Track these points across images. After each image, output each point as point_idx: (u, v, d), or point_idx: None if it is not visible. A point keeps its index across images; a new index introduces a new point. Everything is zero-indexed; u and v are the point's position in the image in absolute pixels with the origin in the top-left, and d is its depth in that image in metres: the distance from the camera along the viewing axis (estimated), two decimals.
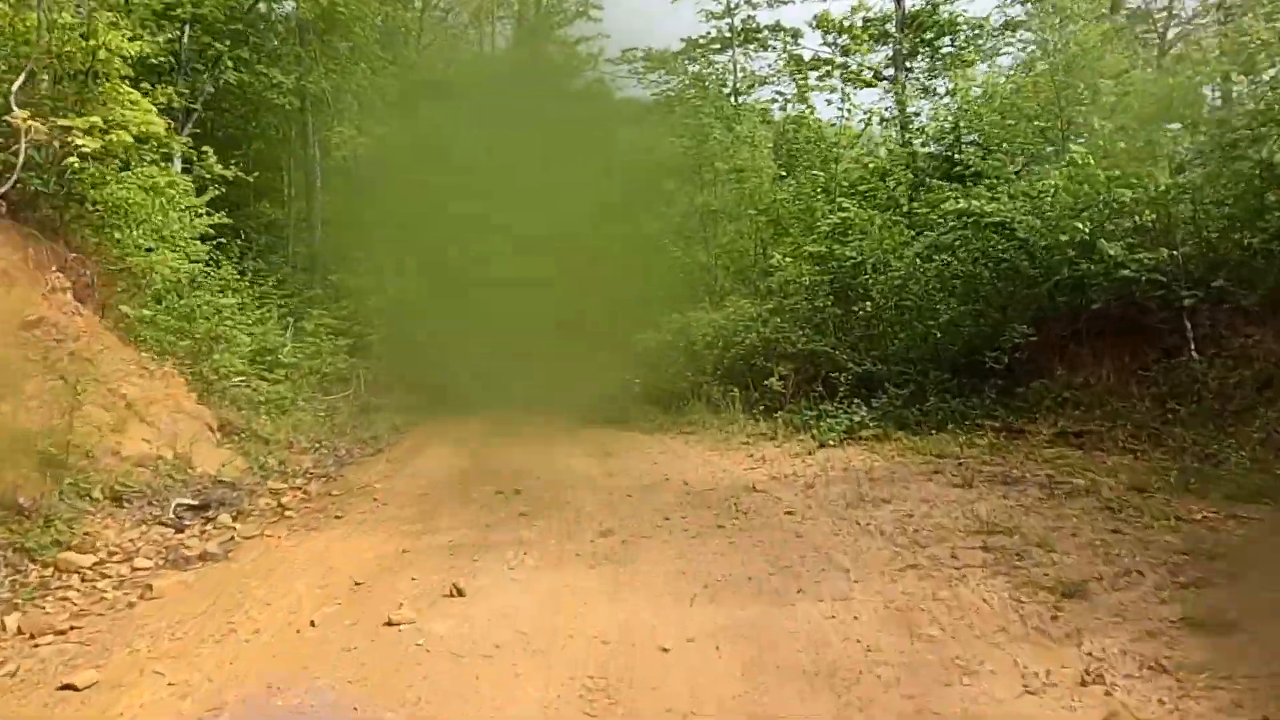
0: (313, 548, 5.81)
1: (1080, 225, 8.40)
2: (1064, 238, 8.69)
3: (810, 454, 8.86)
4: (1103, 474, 6.80)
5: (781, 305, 13.34)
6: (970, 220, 10.00)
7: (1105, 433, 8.15)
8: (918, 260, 12.26)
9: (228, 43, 14.90)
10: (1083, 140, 10.49)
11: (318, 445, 10.62)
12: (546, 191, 17.25)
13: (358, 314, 17.00)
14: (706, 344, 13.28)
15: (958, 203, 10.02)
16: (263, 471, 8.52)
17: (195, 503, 6.95)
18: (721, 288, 16.19)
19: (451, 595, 4.60)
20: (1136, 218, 8.50)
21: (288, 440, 10.05)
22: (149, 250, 9.55)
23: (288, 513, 6.95)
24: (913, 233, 12.54)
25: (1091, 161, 8.48)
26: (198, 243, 11.04)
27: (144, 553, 5.69)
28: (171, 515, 6.57)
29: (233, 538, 6.14)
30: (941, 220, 12.71)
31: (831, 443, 9.31)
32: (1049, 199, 9.51)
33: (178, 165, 13.13)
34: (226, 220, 11.65)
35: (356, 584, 4.92)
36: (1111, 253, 8.13)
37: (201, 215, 11.38)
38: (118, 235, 8.80)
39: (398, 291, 16.77)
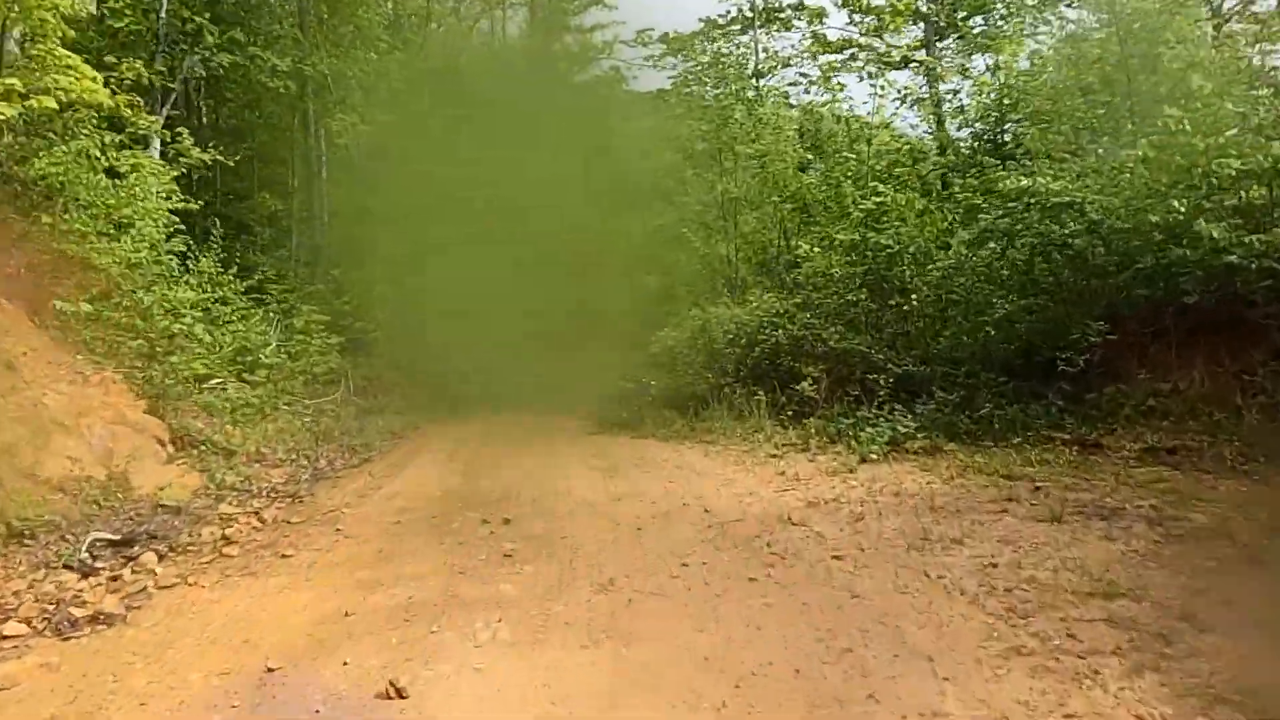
0: (235, 606, 4.51)
1: (1176, 204, 6.95)
2: (1153, 218, 7.25)
3: (851, 471, 7.48)
4: (1222, 504, 5.41)
5: (810, 299, 11.95)
6: (1032, 202, 8.55)
7: (1205, 449, 6.72)
8: (963, 249, 10.88)
9: (208, 17, 13.59)
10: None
11: (295, 456, 9.36)
12: (555, 184, 16.10)
13: (360, 309, 15.77)
14: (728, 342, 11.92)
15: (1019, 181, 8.57)
16: (219, 491, 7.27)
17: (118, 537, 5.69)
18: (743, 281, 14.82)
19: (388, 696, 3.29)
20: (1242, 194, 7.05)
21: (258, 452, 8.80)
22: (105, 237, 8.30)
23: (229, 548, 5.67)
24: (956, 218, 11.13)
25: (1188, 127, 7.02)
26: (166, 231, 9.81)
27: (23, 612, 4.42)
28: (83, 555, 5.31)
29: (146, 588, 4.86)
30: (988, 205, 11.33)
31: (874, 456, 7.93)
32: (1127, 175, 8.08)
33: (156, 150, 11.94)
34: (193, 206, 10.39)
35: (269, 670, 3.62)
36: (1215, 235, 6.69)
37: (169, 200, 10.15)
38: (48, 219, 7.56)
39: (400, 286, 15.49)
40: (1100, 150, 9.45)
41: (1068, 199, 8.27)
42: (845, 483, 7.07)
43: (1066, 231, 8.53)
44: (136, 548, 5.62)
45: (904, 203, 11.70)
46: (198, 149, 11.22)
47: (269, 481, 8.04)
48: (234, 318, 11.69)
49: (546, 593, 4.54)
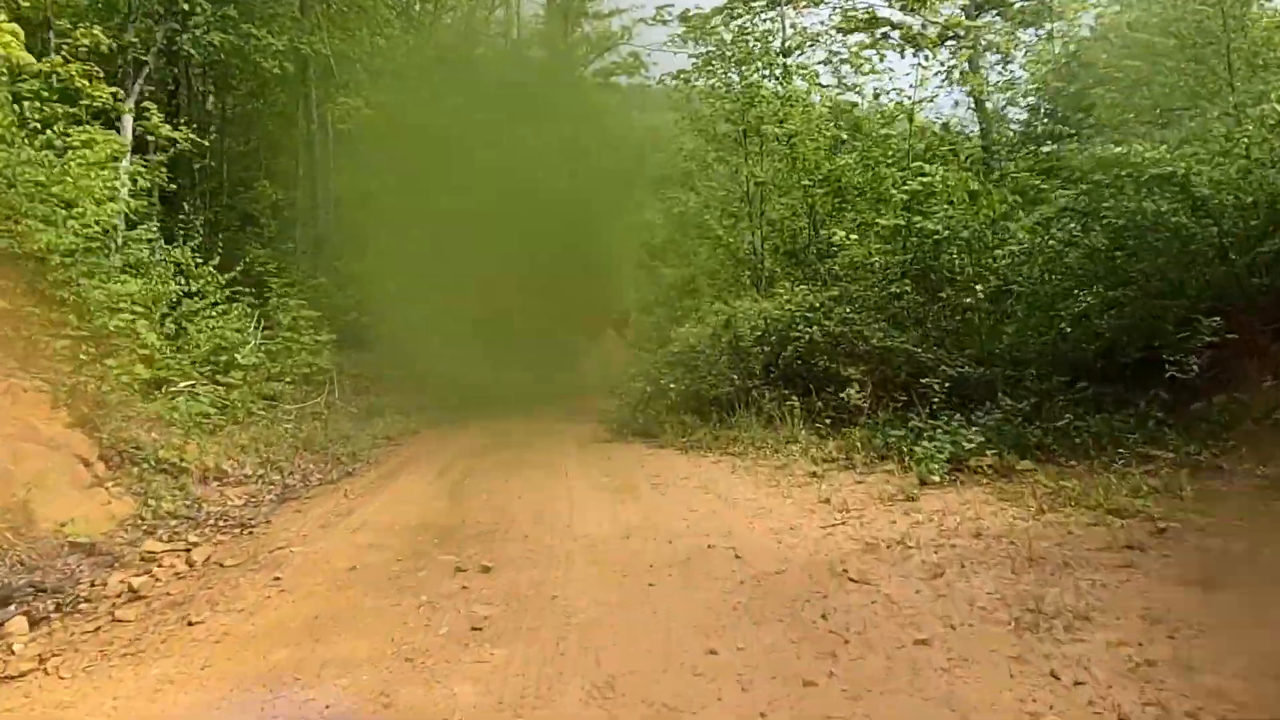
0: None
1: None
2: None
3: (910, 499, 6.04)
4: None
5: (847, 292, 10.50)
6: (1123, 175, 7.05)
7: None
8: (1025, 233, 9.40)
9: None
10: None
11: (265, 471, 8.07)
12: (564, 175, 14.88)
13: (361, 304, 14.49)
14: (755, 339, 10.49)
15: (1107, 151, 7.07)
16: (152, 522, 5.98)
17: None
18: (770, 272, 13.37)
19: None
20: None
21: (218, 468, 7.50)
22: (37, 219, 7.03)
23: (127, 609, 4.34)
24: (1017, 200, 9.63)
25: None
26: (119, 216, 8.56)
27: None
28: None
29: None
30: (1048, 185, 9.85)
31: (936, 478, 6.49)
32: (1245, 141, 6.57)
33: (128, 129, 10.67)
34: (161, 183, 9.12)
35: None
36: None
37: (136, 183, 8.88)
38: None
39: (402, 279, 14.18)
40: (1197, 118, 7.90)
41: (1168, 169, 6.76)
42: (907, 516, 5.63)
43: (1163, 209, 7.03)
44: (12, 607, 4.32)
45: (954, 183, 10.21)
46: (168, 127, 9.97)
47: (222, 505, 6.75)
48: (215, 314, 10.43)
49: (519, 701, 3.17)
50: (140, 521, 5.91)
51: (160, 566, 5.11)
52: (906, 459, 7.17)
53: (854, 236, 11.35)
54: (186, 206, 11.31)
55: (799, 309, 10.46)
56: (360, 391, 13.48)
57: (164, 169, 13.44)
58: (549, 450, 9.75)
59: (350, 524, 6.15)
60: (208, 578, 4.90)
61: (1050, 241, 8.26)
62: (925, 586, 4.26)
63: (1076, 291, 7.66)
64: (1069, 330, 7.93)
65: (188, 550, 5.40)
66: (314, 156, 17.65)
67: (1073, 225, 7.83)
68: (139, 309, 7.87)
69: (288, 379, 11.12)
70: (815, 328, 9.95)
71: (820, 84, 14.95)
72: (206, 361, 9.44)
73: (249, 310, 10.56)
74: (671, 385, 10.43)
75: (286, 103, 18.99)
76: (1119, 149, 6.98)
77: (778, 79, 14.60)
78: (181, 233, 10.41)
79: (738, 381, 10.24)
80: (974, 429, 7.40)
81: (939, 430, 7.47)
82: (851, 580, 4.38)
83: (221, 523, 6.24)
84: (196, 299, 10.25)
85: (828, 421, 9.05)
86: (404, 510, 6.60)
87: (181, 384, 9.07)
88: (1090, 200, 7.68)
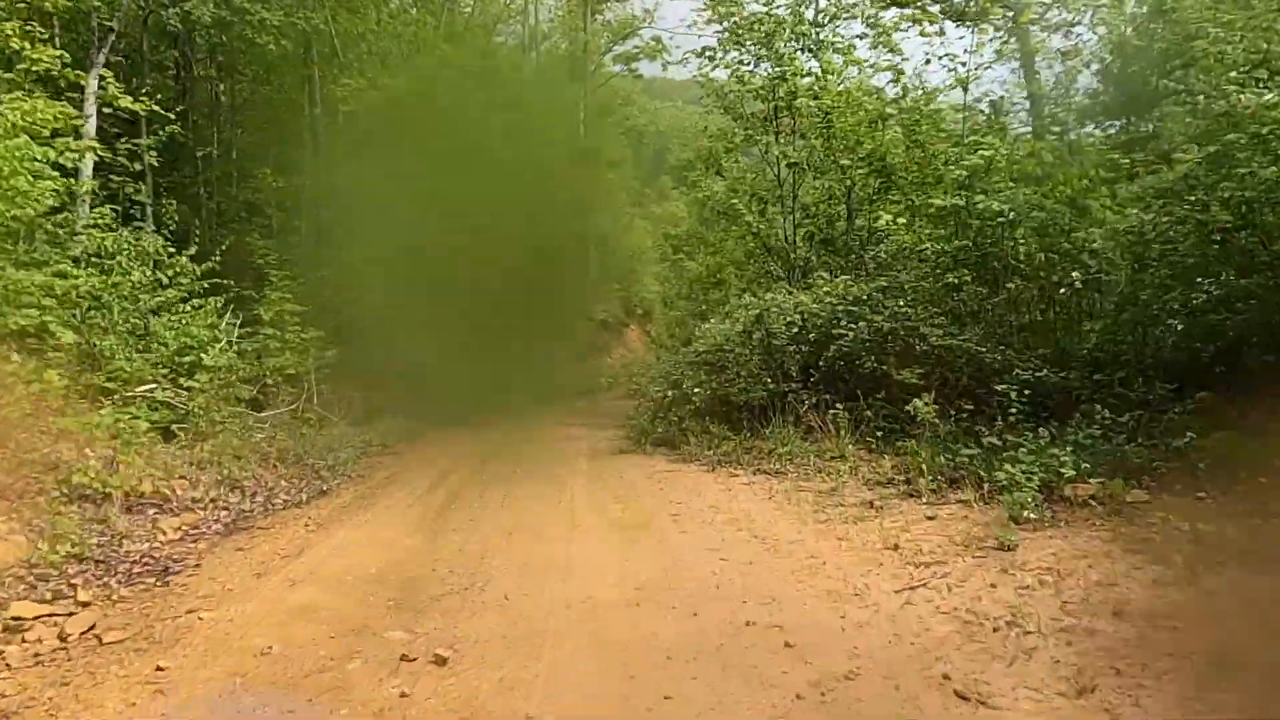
0: None
1: None
2: None
3: (1005, 546, 4.58)
4: None
5: (899, 283, 9.03)
6: (1265, 132, 5.52)
7: None
8: (1110, 214, 7.90)
9: None
10: None
11: (222, 492, 6.77)
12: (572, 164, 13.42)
13: (359, 297, 13.16)
14: (791, 336, 9.03)
15: (1257, 98, 5.51)
16: (47, 568, 4.67)
17: None
18: (805, 262, 11.91)
19: None
20: None
21: (157, 491, 6.21)
22: None
23: None
24: (1100, 172, 8.09)
25: None
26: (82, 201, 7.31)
27: None
28: None
29: None
30: (1126, 159, 8.30)
31: (1030, 513, 5.03)
32: None
33: (92, 100, 9.39)
34: (98, 152, 7.86)
35: None
36: None
37: (82, 158, 7.61)
38: None
39: (402, 271, 12.85)
40: None
41: None
42: (1008, 574, 4.18)
43: None
44: None
45: (1022, 157, 8.70)
46: (129, 99, 8.73)
47: (150, 542, 5.45)
48: (188, 309, 9.17)
49: None
50: (26, 570, 4.61)
51: (23, 642, 3.80)
52: (985, 485, 5.74)
53: (901, 220, 9.87)
54: (141, 190, 10.02)
55: (840, 302, 9.00)
56: (355, 392, 12.19)
57: (153, 152, 12.31)
58: (555, 464, 8.40)
59: (293, 571, 4.80)
60: (73, 664, 3.57)
61: (1155, 222, 6.72)
62: (1067, 704, 2.83)
63: (1198, 280, 6.14)
64: (1179, 327, 6.44)
65: (66, 617, 4.08)
66: (318, 141, 16.42)
67: (1189, 200, 6.27)
68: (51, 303, 6.56)
69: (269, 381, 9.85)
70: (862, 323, 8.48)
71: (857, 58, 13.35)
72: (169, 363, 8.17)
73: (223, 305, 9.25)
74: (696, 390, 9.01)
75: (292, 87, 17.87)
76: (1270, 96, 5.42)
77: (811, 51, 13.09)
78: (139, 220, 9.14)
79: (771, 385, 8.80)
80: (1065, 447, 5.94)
81: (1021, 448, 6.00)
82: (960, 696, 2.95)
83: (137, 569, 4.93)
84: (164, 291, 8.99)
85: (878, 434, 7.62)
86: (366, 551, 5.25)
87: (138, 389, 7.82)
88: (1208, 171, 6.14)
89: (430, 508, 6.47)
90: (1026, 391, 6.78)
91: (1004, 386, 6.82)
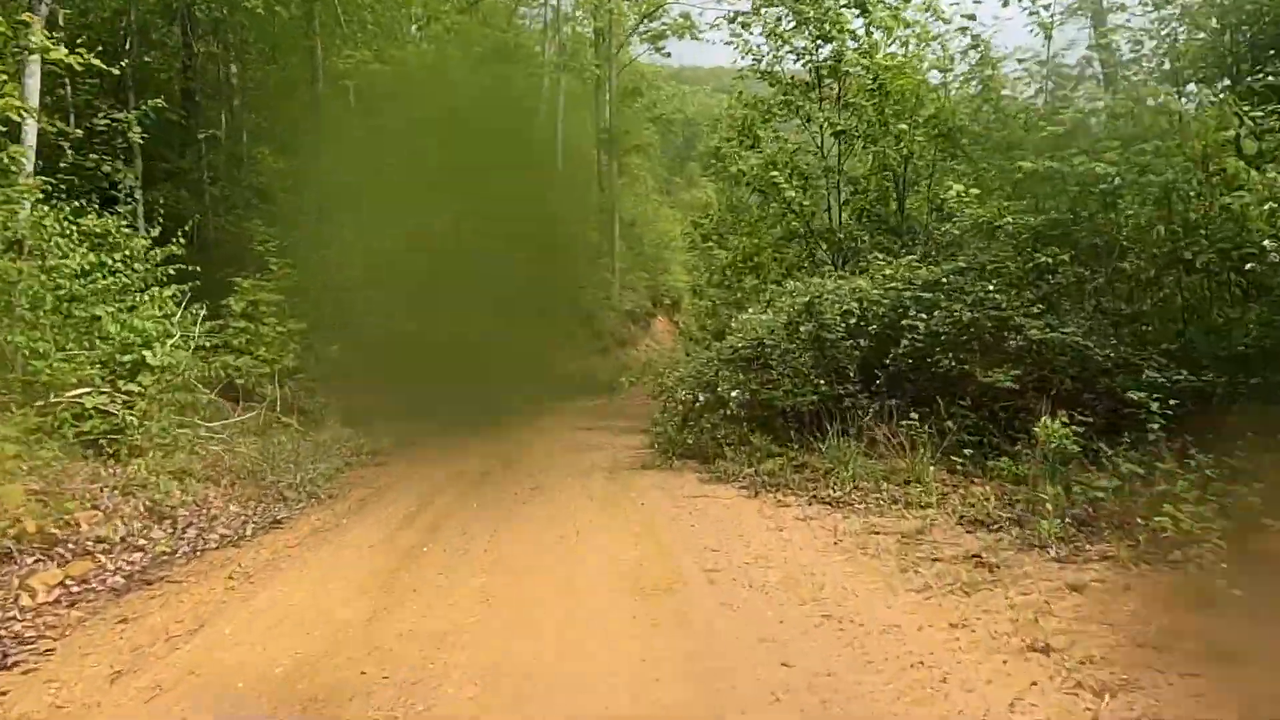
0: None
1: None
2: None
3: (1221, 656, 2.95)
4: None
5: (979, 264, 7.32)
6: None
7: None
8: (1255, 177, 6.14)
9: None
10: None
11: (135, 528, 5.29)
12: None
13: (353, 287, 11.71)
14: (847, 329, 7.37)
15: None
16: None
17: None
18: (855, 243, 10.21)
19: None
20: None
21: (41, 532, 4.73)
22: None
23: None
24: (1252, 122, 6.33)
25: None
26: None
27: None
28: None
29: None
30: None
31: (1233, 589, 3.37)
32: None
33: (35, 70, 7.95)
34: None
35: None
36: None
37: None
38: None
39: (401, 258, 11.37)
40: None
41: None
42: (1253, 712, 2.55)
43: None
44: None
45: (1139, 104, 6.96)
46: (63, 50, 7.29)
47: (2, 608, 3.97)
48: (144, 300, 7.73)
49: None
50: None
51: None
52: (1137, 529, 4.11)
53: (975, 190, 8.16)
54: (122, 170, 8.68)
55: (908, 287, 7.33)
56: (353, 389, 10.72)
57: (139, 129, 11.00)
58: (564, 482, 6.84)
59: (166, 670, 3.28)
60: None
61: None
62: None
63: None
64: None
65: None
66: (321, 119, 15.00)
67: None
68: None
69: (243, 381, 8.41)
70: (937, 312, 6.81)
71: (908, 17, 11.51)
72: (107, 363, 6.73)
73: (188, 294, 7.74)
74: (733, 393, 7.38)
75: (298, 65, 16.55)
76: None
77: (860, 7, 11.32)
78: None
79: (824, 387, 7.15)
80: (1236, 476, 4.30)
81: (1181, 479, 4.35)
82: None
83: None
84: (114, 278, 7.56)
85: (964, 451, 5.97)
86: (286, 629, 3.72)
87: (66, 395, 6.38)
88: None
89: (397, 550, 4.94)
90: (1171, 401, 5.12)
91: (1142, 395, 5.14)
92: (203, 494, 6.20)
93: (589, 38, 26.87)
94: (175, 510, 5.71)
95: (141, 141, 11.82)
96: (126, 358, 6.77)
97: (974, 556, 4.18)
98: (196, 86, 16.94)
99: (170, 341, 7.16)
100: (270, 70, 17.98)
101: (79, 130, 8.80)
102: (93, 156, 10.17)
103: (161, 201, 12.21)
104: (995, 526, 4.65)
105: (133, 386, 6.59)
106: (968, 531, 4.64)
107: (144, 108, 11.17)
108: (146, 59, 15.77)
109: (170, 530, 5.47)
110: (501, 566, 4.51)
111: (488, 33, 18.39)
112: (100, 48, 13.49)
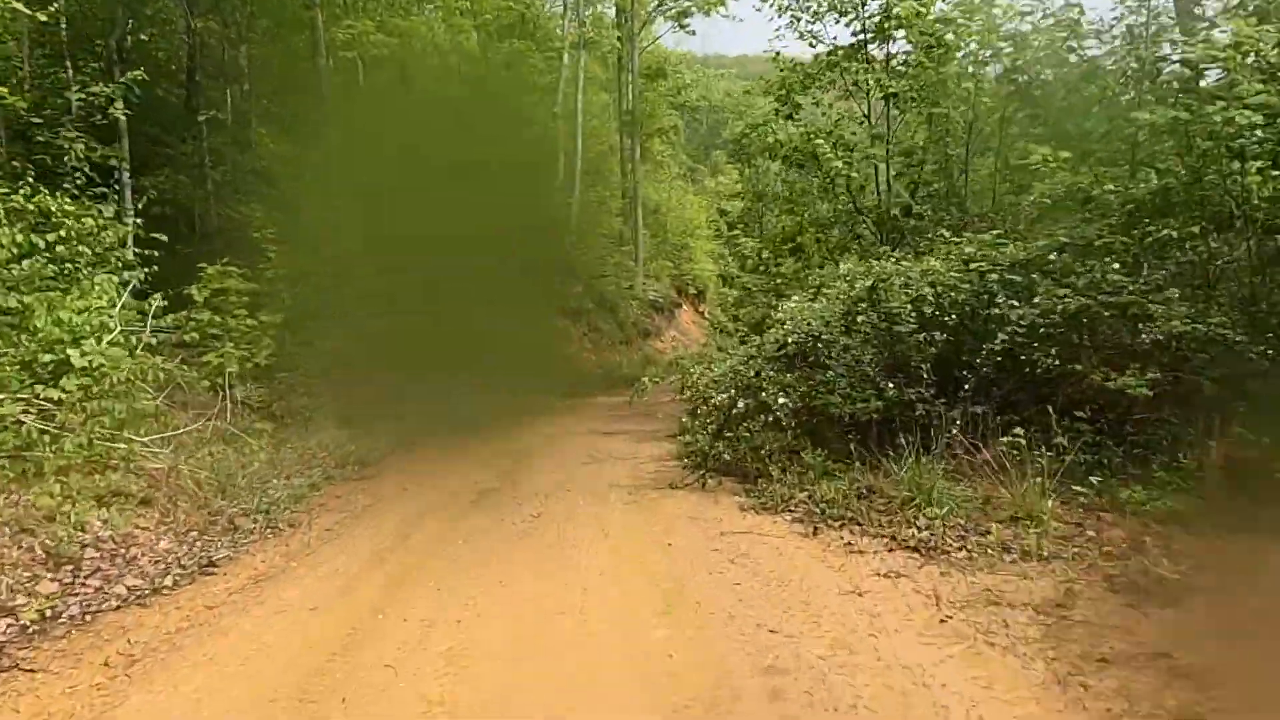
0: None
1: None
2: None
3: None
4: None
5: (1084, 240, 5.84)
6: None
7: None
8: None
9: None
10: None
11: (24, 578, 4.04)
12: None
13: (341, 278, 10.46)
14: (920, 321, 5.92)
15: None
16: None
17: None
18: (916, 216, 8.74)
19: None
20: None
21: None
22: None
23: None
24: None
25: None
26: None
27: None
28: None
29: None
30: None
31: None
32: None
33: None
34: None
35: None
36: None
37: None
38: None
39: (400, 246, 10.07)
40: None
41: None
42: None
43: None
44: None
45: None
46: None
47: None
48: (80, 288, 6.47)
49: None
50: None
51: None
52: None
53: (1064, 154, 6.67)
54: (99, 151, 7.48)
55: (993, 268, 5.87)
56: (347, 386, 9.47)
57: (122, 103, 9.85)
58: (574, 510, 5.49)
59: None
60: None
61: None
62: None
63: None
64: None
65: None
66: (323, 95, 13.74)
67: None
68: None
69: (210, 381, 7.15)
70: (1037, 299, 5.36)
71: None
72: (27, 364, 5.49)
73: (110, 283, 6.45)
74: (781, 398, 5.96)
75: (301, 44, 15.38)
76: None
77: None
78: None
79: (891, 392, 5.71)
80: None
81: None
82: None
83: None
84: (51, 266, 6.32)
85: (1093, 480, 4.55)
86: None
87: None
88: None
89: (343, 620, 3.62)
90: None
91: None
92: (131, 526, 4.95)
93: (609, 18, 25.37)
94: (82, 554, 4.46)
95: (125, 117, 10.61)
96: (48, 357, 5.51)
97: (1162, 656, 2.77)
98: (197, 66, 15.78)
99: (108, 337, 5.89)
100: (274, 50, 16.88)
101: (22, 100, 7.52)
102: (65, 135, 9.00)
103: (159, 187, 11.11)
104: (1169, 598, 3.24)
105: (51, 393, 5.33)
106: (1128, 604, 3.23)
107: (125, 80, 10.03)
108: (143, 37, 14.59)
109: (70, 579, 4.21)
110: (472, 658, 3.16)
111: (503, 4, 16.99)
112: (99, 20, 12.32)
